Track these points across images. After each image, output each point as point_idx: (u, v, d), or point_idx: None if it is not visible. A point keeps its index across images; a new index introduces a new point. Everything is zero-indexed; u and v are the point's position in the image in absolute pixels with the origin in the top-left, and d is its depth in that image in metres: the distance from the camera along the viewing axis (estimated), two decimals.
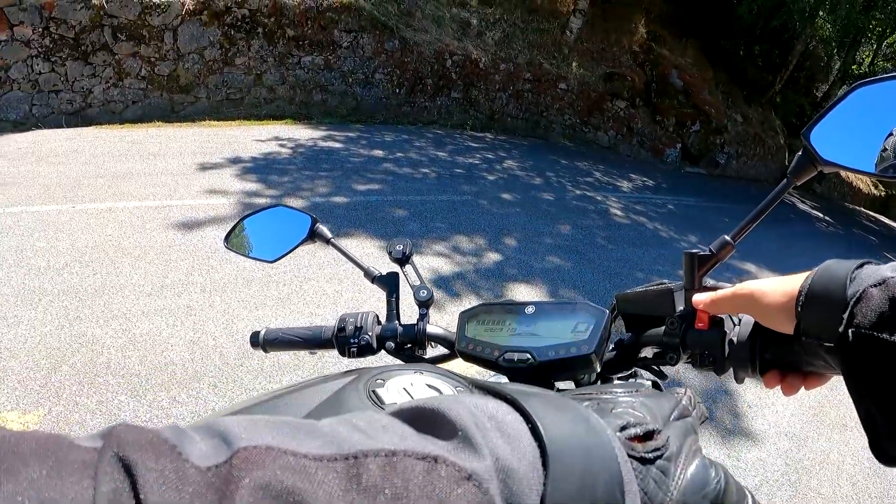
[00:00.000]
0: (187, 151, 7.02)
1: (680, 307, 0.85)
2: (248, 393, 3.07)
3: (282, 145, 7.45)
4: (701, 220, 8.09)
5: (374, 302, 3.91)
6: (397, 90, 9.50)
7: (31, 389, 3.06)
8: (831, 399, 3.92)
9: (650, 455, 0.44)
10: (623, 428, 0.46)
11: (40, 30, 8.07)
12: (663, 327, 0.86)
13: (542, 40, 10.86)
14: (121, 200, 5.45)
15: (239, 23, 8.68)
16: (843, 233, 10.93)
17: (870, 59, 19.38)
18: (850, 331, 0.57)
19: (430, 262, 4.77)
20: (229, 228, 1.25)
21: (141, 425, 0.32)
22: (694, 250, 0.83)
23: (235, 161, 6.70)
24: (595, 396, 0.51)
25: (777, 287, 0.68)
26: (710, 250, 0.82)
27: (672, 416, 0.51)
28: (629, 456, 0.41)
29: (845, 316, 0.58)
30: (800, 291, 0.64)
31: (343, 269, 4.29)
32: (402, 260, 1.15)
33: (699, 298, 0.79)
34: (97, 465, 0.29)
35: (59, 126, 8.20)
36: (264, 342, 1.12)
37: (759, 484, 3.06)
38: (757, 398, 3.79)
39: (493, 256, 5.18)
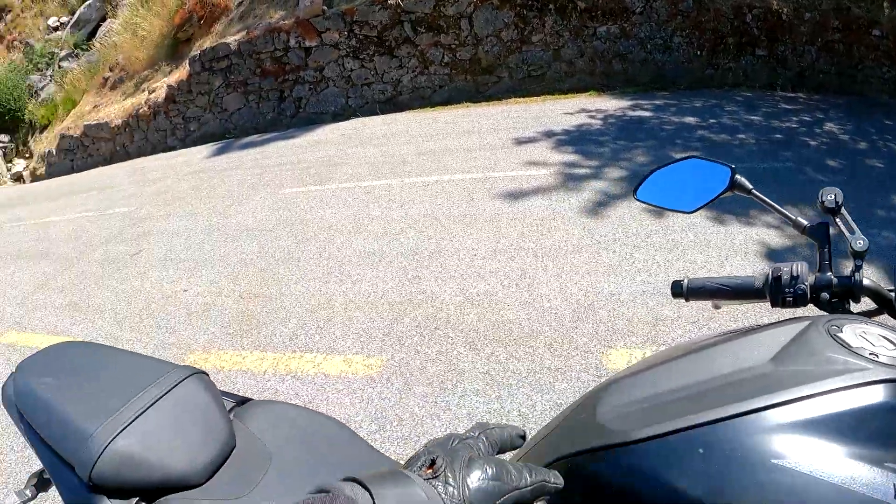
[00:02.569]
0: (499, 127, 7.20)
1: None
2: (583, 355, 3.02)
3: (591, 117, 7.36)
4: None
5: (706, 274, 3.69)
6: (698, 53, 8.92)
7: (375, 338, 3.32)
8: None
9: (435, 474, 0.62)
10: (414, 464, 0.64)
11: (346, 33, 8.93)
12: None
13: None
14: (445, 174, 5.73)
15: (530, 2, 8.74)
16: None
17: None
18: None
19: (759, 234, 4.38)
20: (639, 181, 1.22)
21: None
22: None
23: (548, 134, 6.73)
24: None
25: None
26: None
27: (450, 445, 0.67)
28: (425, 479, 0.61)
29: None
30: None
31: (671, 238, 4.09)
32: (834, 210, 1.07)
33: None
34: None
35: (374, 113, 8.95)
36: (688, 291, 1.10)
37: None
38: None
39: None
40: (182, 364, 1.27)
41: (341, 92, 9.34)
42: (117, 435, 1.05)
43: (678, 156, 1.22)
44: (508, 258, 4.02)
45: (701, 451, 0.65)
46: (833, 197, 1.07)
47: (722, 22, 8.92)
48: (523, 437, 0.75)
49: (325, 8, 8.90)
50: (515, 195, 5.05)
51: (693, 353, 0.83)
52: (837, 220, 1.08)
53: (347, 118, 9.04)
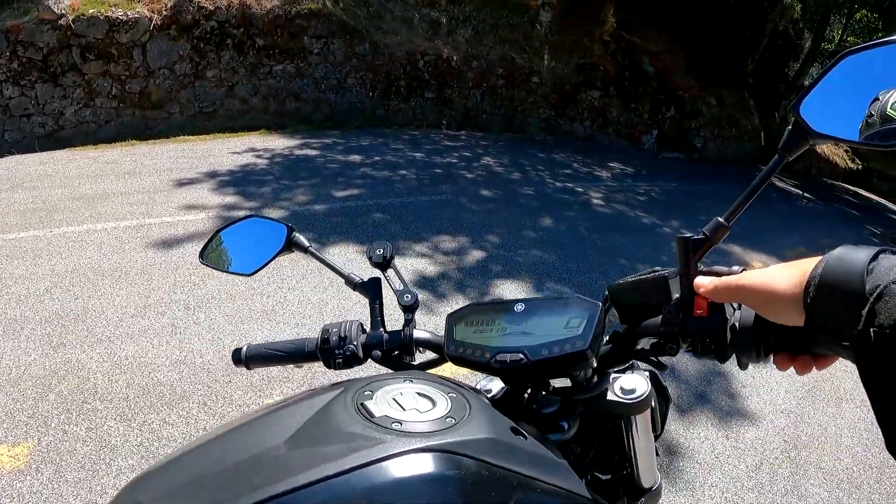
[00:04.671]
0: (163, 168, 6.97)
1: (676, 295, 0.81)
2: (239, 410, 3.05)
3: (258, 156, 7.41)
4: (681, 205, 8.12)
5: (360, 309, 3.90)
6: (371, 94, 9.48)
7: (19, 421, 3.02)
8: (824, 373, 3.92)
9: None
10: None
11: (7, 54, 7.97)
12: (660, 317, 0.82)
13: (513, 35, 10.85)
14: (98, 222, 5.39)
15: (208, 35, 8.62)
16: (823, 208, 10.99)
17: (840, 34, 19.54)
18: (871, 330, 0.54)
19: (414, 264, 4.76)
20: (205, 243, 1.21)
21: None
22: (687, 234, 0.79)
23: (212, 175, 6.66)
24: None
25: (782, 278, 0.64)
26: (704, 234, 0.79)
27: None
28: None
29: (864, 313, 0.54)
30: (808, 282, 0.60)
31: (327, 277, 4.27)
32: (384, 264, 1.10)
33: (701, 282, 0.76)
34: None
35: (33, 150, 8.09)
36: (247, 359, 1.06)
37: (760, 463, 3.08)
38: (750, 378, 3.80)
39: (476, 254, 5.18)
40: None
41: None
42: None
43: (241, 215, 1.25)
44: (159, 314, 3.91)
45: None
46: (381, 252, 1.10)
47: (395, 66, 9.55)
48: None
49: None
50: (170, 243, 4.95)
51: (226, 434, 0.74)
52: (388, 274, 1.11)
53: (2, 155, 8.06)
